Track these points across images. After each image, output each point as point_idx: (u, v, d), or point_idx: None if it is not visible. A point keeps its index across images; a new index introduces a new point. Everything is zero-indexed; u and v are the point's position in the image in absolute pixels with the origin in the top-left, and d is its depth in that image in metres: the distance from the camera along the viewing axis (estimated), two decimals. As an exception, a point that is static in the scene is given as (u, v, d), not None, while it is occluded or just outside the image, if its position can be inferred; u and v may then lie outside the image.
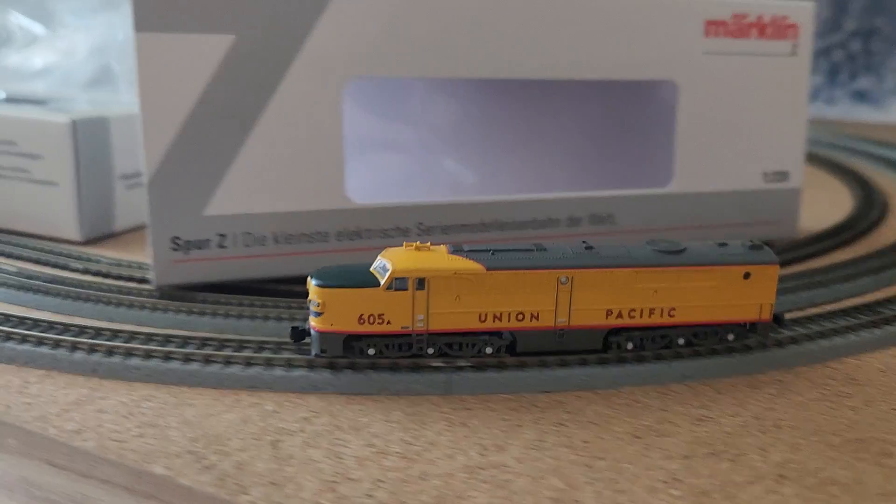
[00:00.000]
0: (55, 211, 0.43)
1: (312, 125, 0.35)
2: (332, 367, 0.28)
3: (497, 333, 0.28)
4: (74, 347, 0.29)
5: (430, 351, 0.28)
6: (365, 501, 0.21)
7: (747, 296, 0.29)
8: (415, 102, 0.48)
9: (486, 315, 0.28)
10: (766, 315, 0.30)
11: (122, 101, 0.51)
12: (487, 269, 0.27)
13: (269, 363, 0.28)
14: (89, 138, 0.42)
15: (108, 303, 0.34)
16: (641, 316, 0.29)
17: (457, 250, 0.28)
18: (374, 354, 0.28)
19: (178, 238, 0.34)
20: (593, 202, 0.42)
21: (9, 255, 0.40)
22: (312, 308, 0.27)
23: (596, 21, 0.40)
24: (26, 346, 0.29)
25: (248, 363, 0.28)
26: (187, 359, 0.28)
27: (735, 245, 0.30)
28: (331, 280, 0.27)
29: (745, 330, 0.30)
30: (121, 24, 0.65)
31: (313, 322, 0.27)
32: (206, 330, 0.32)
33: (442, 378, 0.28)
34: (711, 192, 0.45)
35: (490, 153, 0.50)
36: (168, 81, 0.33)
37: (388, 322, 0.27)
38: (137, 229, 0.45)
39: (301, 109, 0.35)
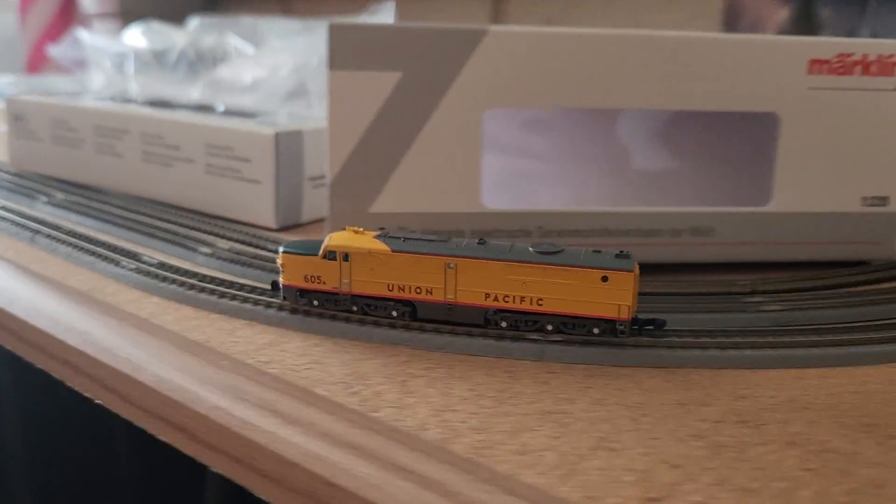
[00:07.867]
0: (258, 203, 0.54)
1: (457, 144, 0.45)
2: (462, 333, 0.36)
3: (403, 301, 0.37)
4: (268, 305, 0.39)
5: (354, 308, 0.37)
6: (460, 426, 0.29)
7: (606, 296, 0.34)
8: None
9: (393, 286, 0.36)
10: (625, 315, 0.34)
11: (314, 115, 0.65)
12: (392, 252, 0.36)
13: (406, 327, 0.37)
14: (288, 147, 0.55)
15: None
16: (514, 301, 0.35)
17: (380, 236, 0.37)
18: (317, 305, 0.38)
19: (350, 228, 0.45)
20: (694, 216, 0.47)
21: (222, 237, 0.52)
22: (280, 267, 0.38)
23: (709, 60, 0.45)
24: (235, 303, 0.39)
25: (391, 325, 0.37)
26: (347, 319, 0.37)
27: (605, 253, 0.34)
28: (289, 248, 0.38)
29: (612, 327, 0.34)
30: (315, 49, 0.79)
31: (281, 277, 0.38)
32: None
33: (536, 348, 0.35)
34: (808, 213, 0.47)
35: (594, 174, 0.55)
36: (350, 107, 0.45)
37: (324, 283, 0.37)
38: (319, 221, 0.58)
39: (449, 132, 0.45)
